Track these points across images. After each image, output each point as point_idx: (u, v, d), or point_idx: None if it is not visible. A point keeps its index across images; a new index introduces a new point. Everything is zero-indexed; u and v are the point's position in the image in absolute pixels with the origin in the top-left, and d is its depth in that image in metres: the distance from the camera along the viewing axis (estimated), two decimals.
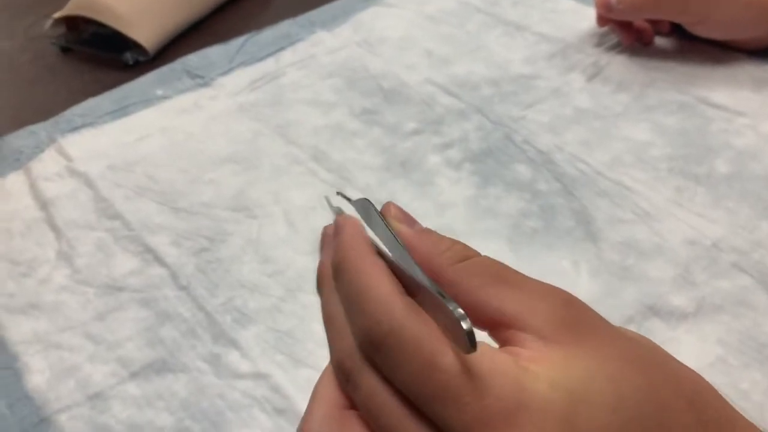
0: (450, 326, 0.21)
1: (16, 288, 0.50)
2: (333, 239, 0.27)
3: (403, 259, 0.24)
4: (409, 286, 0.24)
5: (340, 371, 0.24)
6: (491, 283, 0.24)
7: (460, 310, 0.21)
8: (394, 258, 0.25)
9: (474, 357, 0.21)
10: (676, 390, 0.23)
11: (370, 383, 0.23)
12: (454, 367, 0.21)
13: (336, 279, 0.26)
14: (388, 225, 0.26)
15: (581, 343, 0.22)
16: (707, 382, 0.24)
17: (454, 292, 0.24)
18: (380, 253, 0.25)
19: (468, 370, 0.21)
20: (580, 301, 0.24)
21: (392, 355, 0.22)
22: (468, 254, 0.25)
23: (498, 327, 0.23)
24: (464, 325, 0.20)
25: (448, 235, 0.27)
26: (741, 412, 0.24)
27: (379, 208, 0.28)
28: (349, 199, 0.29)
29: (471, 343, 0.20)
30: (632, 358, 0.23)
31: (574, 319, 0.23)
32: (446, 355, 0.21)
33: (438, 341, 0.21)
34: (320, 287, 0.27)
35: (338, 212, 0.29)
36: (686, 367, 0.24)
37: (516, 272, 0.25)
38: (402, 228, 0.26)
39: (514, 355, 0.22)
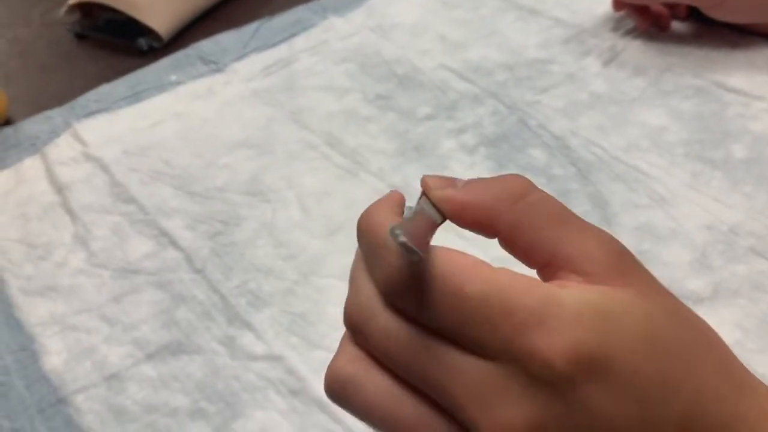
0: None
1: (33, 271, 0.50)
2: None
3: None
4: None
5: (350, 327, 0.24)
6: (550, 224, 0.24)
7: (397, 229, 0.21)
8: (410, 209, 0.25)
9: (500, 281, 0.22)
10: (708, 351, 0.23)
11: (380, 326, 0.23)
12: (482, 292, 0.21)
13: (358, 237, 0.26)
14: (428, 197, 0.26)
15: (628, 286, 0.23)
16: (735, 356, 0.25)
17: (514, 234, 0.24)
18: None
19: (496, 293, 0.21)
20: (631, 254, 0.25)
21: (419, 293, 0.22)
22: (524, 191, 0.24)
23: (550, 268, 0.24)
24: (400, 239, 0.21)
25: None
26: None
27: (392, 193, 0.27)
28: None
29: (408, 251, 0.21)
30: (671, 310, 0.23)
31: (626, 267, 0.23)
32: (473, 283, 0.22)
33: (462, 272, 0.22)
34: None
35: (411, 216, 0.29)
36: (720, 337, 0.25)
37: (573, 214, 0.25)
38: (447, 192, 0.25)
39: (558, 285, 0.23)
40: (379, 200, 0.27)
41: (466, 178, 0.26)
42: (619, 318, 0.22)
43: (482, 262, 0.23)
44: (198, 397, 0.42)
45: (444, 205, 0.25)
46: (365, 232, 0.25)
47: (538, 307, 0.21)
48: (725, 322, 0.42)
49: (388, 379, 0.23)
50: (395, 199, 0.27)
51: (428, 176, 0.26)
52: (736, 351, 0.41)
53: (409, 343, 0.23)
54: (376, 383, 0.23)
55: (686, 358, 0.22)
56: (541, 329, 0.21)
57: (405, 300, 0.23)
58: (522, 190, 0.24)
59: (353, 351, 0.24)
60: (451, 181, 0.26)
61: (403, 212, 0.26)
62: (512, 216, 0.24)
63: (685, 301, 0.43)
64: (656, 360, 0.22)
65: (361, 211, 0.28)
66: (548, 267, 0.24)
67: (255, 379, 0.42)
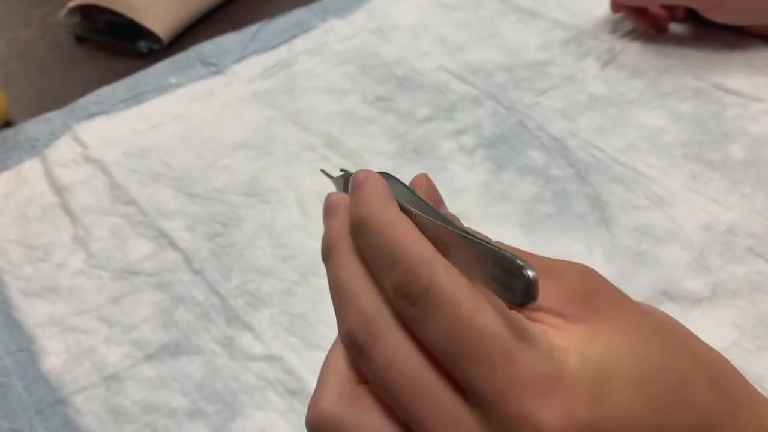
0: (500, 278, 0.20)
1: (32, 272, 0.50)
2: (351, 197, 0.25)
3: (436, 217, 0.23)
4: (438, 246, 0.23)
5: (351, 344, 0.23)
6: None
7: (521, 261, 0.20)
8: (426, 217, 0.23)
9: (510, 322, 0.20)
10: (697, 364, 0.23)
11: (387, 350, 0.22)
12: (490, 328, 0.20)
13: (359, 236, 0.24)
14: (412, 190, 0.25)
15: (599, 317, 0.22)
16: (726, 359, 0.24)
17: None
18: (405, 212, 0.24)
19: (503, 333, 0.20)
20: (596, 273, 0.24)
21: (428, 309, 0.21)
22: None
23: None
24: (530, 273, 0.19)
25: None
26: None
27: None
28: (330, 176, 0.28)
29: (529, 294, 0.19)
30: (652, 332, 0.22)
31: (588, 293, 0.23)
32: (484, 315, 0.20)
33: (477, 300, 0.21)
34: (328, 255, 0.25)
35: (340, 179, 0.27)
36: (705, 343, 0.24)
37: (529, 254, 0.24)
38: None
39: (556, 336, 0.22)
40: (370, 187, 0.24)
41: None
42: (612, 372, 0.20)
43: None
44: (197, 398, 0.42)
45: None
46: (374, 231, 0.23)
47: (538, 363, 0.20)
48: (723, 323, 0.42)
49: (378, 419, 0.22)
50: (384, 184, 0.25)
51: (425, 177, 0.25)
52: (734, 351, 0.41)
53: (409, 374, 0.21)
54: (365, 425, 0.22)
55: (678, 386, 0.21)
56: (540, 391, 0.20)
57: (413, 314, 0.21)
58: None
59: (338, 389, 0.23)
60: (437, 201, 0.25)
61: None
62: None
63: (683, 302, 0.44)
64: (650, 402, 0.21)
65: None
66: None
67: (254, 379, 0.42)
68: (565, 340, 0.21)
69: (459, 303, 0.21)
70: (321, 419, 0.23)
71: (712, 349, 0.24)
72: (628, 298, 0.24)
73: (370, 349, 0.22)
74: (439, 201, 0.26)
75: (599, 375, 0.20)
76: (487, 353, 0.20)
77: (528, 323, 0.21)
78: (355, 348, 0.23)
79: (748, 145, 0.54)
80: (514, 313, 0.21)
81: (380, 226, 0.23)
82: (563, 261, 0.24)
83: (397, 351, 0.22)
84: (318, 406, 0.23)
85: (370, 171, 0.26)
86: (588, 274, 0.23)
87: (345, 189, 0.26)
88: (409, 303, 0.21)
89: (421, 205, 0.24)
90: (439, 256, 0.22)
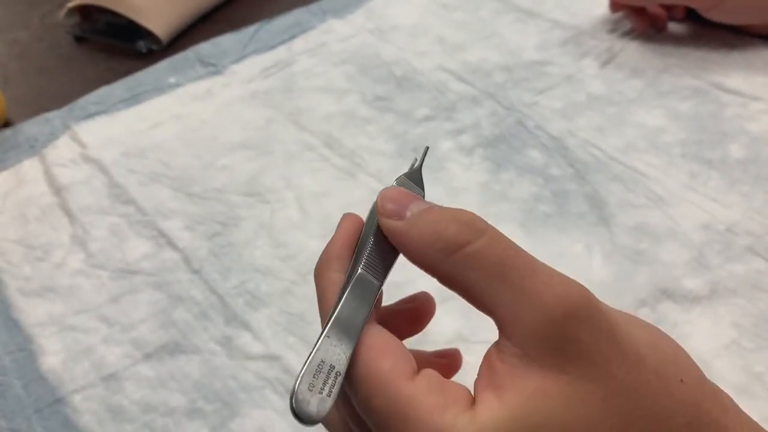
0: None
1: (31, 272, 0.50)
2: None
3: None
4: None
5: None
6: (487, 278, 0.22)
7: (294, 386, 0.23)
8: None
9: (404, 400, 0.22)
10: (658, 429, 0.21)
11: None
12: (385, 410, 0.22)
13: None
14: (375, 234, 0.26)
15: (563, 371, 0.21)
16: (713, 406, 0.23)
17: (450, 286, 0.23)
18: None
19: (396, 415, 0.22)
20: (587, 309, 0.22)
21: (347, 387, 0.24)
22: (466, 239, 0.23)
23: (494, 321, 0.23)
24: (293, 402, 0.22)
25: None
26: (757, 396, 0.23)
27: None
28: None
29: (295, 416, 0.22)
30: (610, 397, 0.21)
31: (565, 337, 0.21)
32: (378, 397, 0.22)
33: (373, 381, 0.23)
34: None
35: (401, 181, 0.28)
36: (694, 393, 0.22)
37: (522, 263, 0.22)
38: (391, 225, 0.25)
39: (489, 370, 0.22)
40: (332, 243, 0.27)
41: (424, 201, 0.25)
42: None
43: (401, 368, 0.23)
44: (195, 397, 0.42)
45: (388, 235, 0.25)
46: (316, 286, 0.26)
47: None
48: (722, 321, 0.42)
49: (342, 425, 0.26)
50: (348, 238, 0.27)
51: (380, 197, 0.25)
52: (733, 350, 0.41)
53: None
54: (334, 425, 0.27)
55: None
56: None
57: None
58: (462, 238, 0.23)
59: None
60: (402, 209, 0.25)
61: (356, 246, 0.26)
62: (446, 268, 0.23)
63: (682, 301, 0.43)
64: None
65: (359, 212, 0.28)
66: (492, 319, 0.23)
67: (252, 378, 0.42)
68: (486, 404, 0.21)
69: (359, 385, 0.23)
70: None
71: (700, 401, 0.22)
72: (615, 344, 0.22)
73: None
74: (403, 207, 0.25)
75: None
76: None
77: (428, 393, 0.22)
78: None
79: (747, 144, 0.54)
80: (423, 385, 0.22)
81: (317, 284, 0.26)
82: (558, 285, 0.22)
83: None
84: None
85: (351, 216, 0.28)
86: (573, 314, 0.21)
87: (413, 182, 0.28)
88: None
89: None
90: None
